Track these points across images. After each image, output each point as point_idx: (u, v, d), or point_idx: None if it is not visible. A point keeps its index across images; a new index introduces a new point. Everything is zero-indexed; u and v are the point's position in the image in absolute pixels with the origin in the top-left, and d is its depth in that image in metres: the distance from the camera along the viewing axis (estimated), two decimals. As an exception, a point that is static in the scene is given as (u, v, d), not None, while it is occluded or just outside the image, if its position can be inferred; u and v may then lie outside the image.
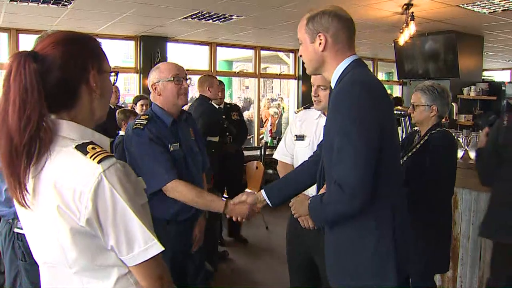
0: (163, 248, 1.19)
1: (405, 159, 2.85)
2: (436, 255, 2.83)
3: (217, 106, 5.05)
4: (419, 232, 2.39)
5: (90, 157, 1.14)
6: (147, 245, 1.18)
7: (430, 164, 2.72)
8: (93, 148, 1.16)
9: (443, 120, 2.99)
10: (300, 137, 2.69)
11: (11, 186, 1.16)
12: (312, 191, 2.54)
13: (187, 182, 2.39)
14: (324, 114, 2.64)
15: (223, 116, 5.23)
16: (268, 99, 12.41)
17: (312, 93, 2.58)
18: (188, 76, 2.57)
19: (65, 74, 1.20)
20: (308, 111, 2.76)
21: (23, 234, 2.12)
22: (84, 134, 1.23)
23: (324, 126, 1.91)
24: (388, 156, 1.72)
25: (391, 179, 1.76)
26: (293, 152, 2.74)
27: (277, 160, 2.86)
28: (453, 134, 3.22)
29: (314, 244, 2.55)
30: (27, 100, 1.12)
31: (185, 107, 2.94)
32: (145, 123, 2.44)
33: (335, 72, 1.80)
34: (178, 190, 2.34)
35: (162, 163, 2.36)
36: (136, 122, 2.48)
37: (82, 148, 1.16)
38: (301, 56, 1.90)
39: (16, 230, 2.29)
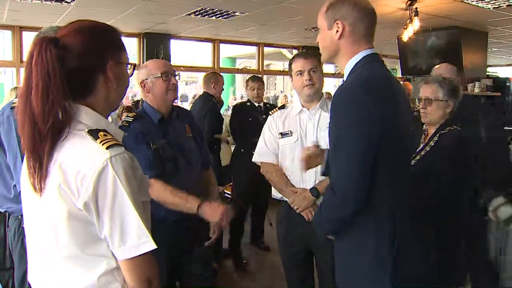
0: (155, 246, 1.18)
1: (412, 163, 2.51)
2: (451, 264, 2.60)
3: (256, 105, 5.01)
4: (434, 240, 2.33)
5: (100, 142, 1.15)
6: (140, 241, 1.16)
7: (444, 168, 2.47)
8: (104, 135, 1.18)
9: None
10: (286, 134, 2.68)
11: (31, 170, 1.17)
12: (310, 184, 2.57)
13: (166, 181, 2.37)
14: (304, 107, 2.66)
15: (263, 116, 5.18)
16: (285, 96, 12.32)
17: (304, 78, 2.58)
18: (176, 72, 2.59)
19: (83, 62, 1.21)
20: (284, 110, 2.79)
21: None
22: (99, 122, 1.24)
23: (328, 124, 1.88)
24: (390, 159, 1.67)
25: (393, 183, 1.70)
26: (277, 152, 2.72)
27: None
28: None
29: (312, 236, 2.52)
30: (50, 84, 1.13)
31: (188, 105, 2.92)
32: (131, 120, 2.48)
33: (347, 65, 1.76)
34: (154, 189, 2.28)
35: (141, 161, 2.35)
36: (123, 120, 2.53)
37: (94, 133, 1.17)
38: (317, 43, 1.85)
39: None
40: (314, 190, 2.54)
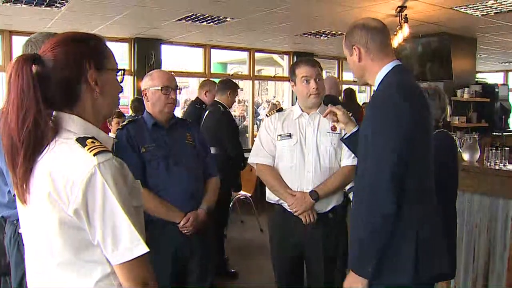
0: (148, 250, 1.19)
1: None
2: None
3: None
4: None
5: (88, 150, 1.16)
6: (132, 245, 1.18)
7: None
8: (92, 142, 1.19)
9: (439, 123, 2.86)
10: (286, 136, 2.69)
11: (14, 183, 1.22)
12: (307, 187, 2.60)
13: (155, 182, 2.47)
14: (304, 112, 2.70)
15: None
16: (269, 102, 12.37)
17: (311, 87, 2.62)
18: (179, 86, 2.68)
19: (61, 74, 1.23)
20: (283, 113, 2.80)
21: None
22: (88, 130, 1.26)
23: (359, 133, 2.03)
24: (420, 160, 1.79)
25: (420, 184, 1.81)
26: (274, 153, 2.73)
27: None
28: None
29: (305, 238, 2.63)
30: (24, 99, 1.16)
31: (180, 111, 2.94)
32: (125, 124, 2.62)
33: (377, 78, 1.90)
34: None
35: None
36: (121, 123, 2.66)
37: (82, 140, 1.19)
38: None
39: (21, 231, 2.29)
40: (313, 193, 2.56)
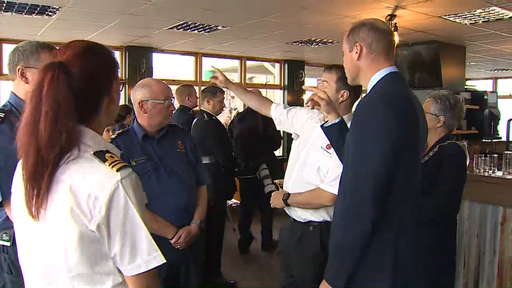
0: (165, 261, 1.21)
1: None
2: (442, 278, 2.67)
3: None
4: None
5: (109, 165, 1.17)
6: (150, 256, 1.20)
7: (442, 179, 2.57)
8: (111, 156, 1.20)
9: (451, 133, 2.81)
10: (295, 135, 2.71)
11: (29, 197, 1.17)
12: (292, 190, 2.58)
13: (148, 193, 2.41)
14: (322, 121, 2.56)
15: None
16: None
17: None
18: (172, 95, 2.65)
19: (93, 86, 1.23)
20: (313, 111, 2.64)
21: (8, 247, 2.10)
22: (100, 143, 1.26)
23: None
24: (405, 172, 1.73)
25: (405, 196, 1.76)
26: (282, 117, 2.78)
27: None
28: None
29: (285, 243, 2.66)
30: (59, 113, 1.14)
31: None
32: (114, 137, 2.54)
33: (370, 82, 1.87)
34: None
35: None
36: (111, 136, 2.59)
37: (100, 155, 1.19)
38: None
39: (1, 242, 2.26)
40: (286, 195, 2.56)
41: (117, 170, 1.16)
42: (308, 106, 2.26)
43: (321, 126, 2.19)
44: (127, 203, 1.16)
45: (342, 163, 2.00)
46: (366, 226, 1.66)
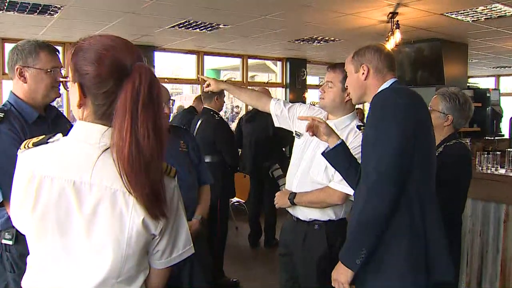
0: (194, 251, 1.27)
1: None
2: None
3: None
4: None
5: (168, 174, 1.23)
6: (184, 249, 1.25)
7: (445, 180, 2.41)
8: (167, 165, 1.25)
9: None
10: (298, 134, 2.67)
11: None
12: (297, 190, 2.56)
13: None
14: (329, 119, 2.54)
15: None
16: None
17: (320, 89, 2.58)
18: (172, 97, 2.64)
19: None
20: (314, 108, 2.73)
21: (11, 246, 2.10)
22: None
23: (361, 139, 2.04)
24: (421, 160, 1.83)
25: (423, 183, 1.85)
26: (282, 114, 2.77)
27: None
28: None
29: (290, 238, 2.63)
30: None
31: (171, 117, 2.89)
32: None
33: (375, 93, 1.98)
34: None
35: None
36: None
37: None
38: (347, 87, 2.17)
39: (4, 241, 2.26)
40: (292, 195, 2.53)
41: (174, 176, 1.23)
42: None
43: (323, 153, 2.16)
44: (179, 205, 1.22)
45: (350, 186, 2.15)
46: (386, 205, 1.75)
